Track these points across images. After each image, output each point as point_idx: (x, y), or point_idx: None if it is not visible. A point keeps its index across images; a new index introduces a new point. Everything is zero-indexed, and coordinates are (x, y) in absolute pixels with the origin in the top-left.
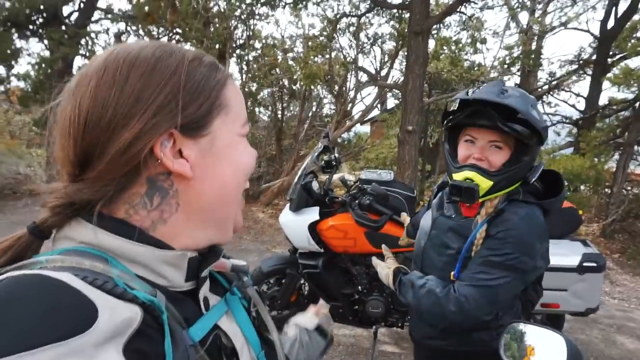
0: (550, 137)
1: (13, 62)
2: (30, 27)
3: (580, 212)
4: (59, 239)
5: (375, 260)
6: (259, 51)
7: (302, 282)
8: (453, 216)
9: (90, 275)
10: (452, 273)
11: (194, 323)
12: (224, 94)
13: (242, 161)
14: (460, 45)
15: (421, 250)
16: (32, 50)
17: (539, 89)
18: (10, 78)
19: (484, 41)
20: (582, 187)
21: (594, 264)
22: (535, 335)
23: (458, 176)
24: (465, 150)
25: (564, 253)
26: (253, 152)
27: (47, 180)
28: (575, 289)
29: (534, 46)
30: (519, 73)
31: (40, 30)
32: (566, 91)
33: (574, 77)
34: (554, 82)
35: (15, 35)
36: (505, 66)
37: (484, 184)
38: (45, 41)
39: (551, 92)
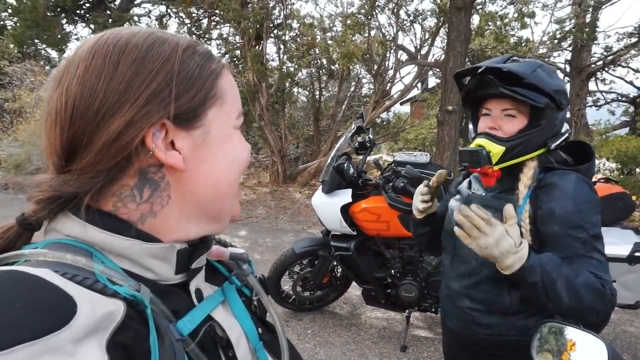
0: (603, 116)
1: (63, 47)
2: (78, 11)
3: (634, 197)
4: (49, 230)
5: (485, 213)
6: (297, 31)
7: (334, 264)
8: (484, 194)
9: (70, 271)
10: None
11: (184, 315)
12: (218, 85)
13: (236, 155)
14: (507, 20)
15: (452, 232)
16: (80, 35)
17: (593, 65)
18: (61, 62)
19: (532, 15)
20: (637, 170)
21: None
22: (575, 334)
23: (472, 145)
24: (483, 123)
25: (613, 242)
26: (247, 145)
27: (33, 172)
28: (625, 280)
29: (588, 18)
30: (570, 48)
31: (87, 15)
32: (623, 67)
33: (633, 51)
34: (610, 57)
35: (64, 21)
36: (556, 41)
37: (495, 149)
38: (92, 25)
39: (606, 68)
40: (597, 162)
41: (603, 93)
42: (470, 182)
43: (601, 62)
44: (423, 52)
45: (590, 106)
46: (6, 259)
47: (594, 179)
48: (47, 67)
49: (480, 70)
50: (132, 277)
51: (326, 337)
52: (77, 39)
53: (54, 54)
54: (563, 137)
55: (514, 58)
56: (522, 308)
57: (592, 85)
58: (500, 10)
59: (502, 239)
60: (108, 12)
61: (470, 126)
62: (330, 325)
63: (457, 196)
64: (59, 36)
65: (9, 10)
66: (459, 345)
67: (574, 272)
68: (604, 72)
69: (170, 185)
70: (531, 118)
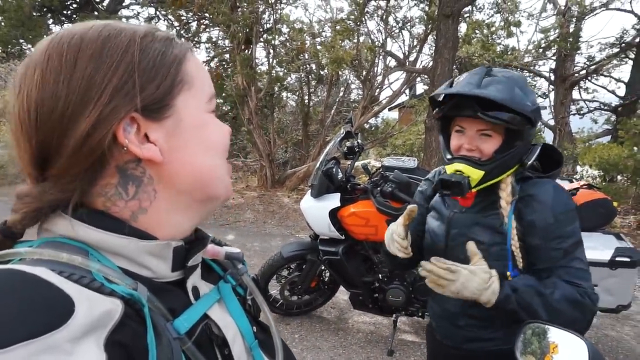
0: (586, 124)
1: None
2: (64, 12)
3: (615, 203)
4: (42, 230)
5: (444, 263)
6: (286, 36)
7: (322, 268)
8: (463, 210)
9: (66, 270)
10: (509, 273)
11: (181, 314)
12: (184, 69)
13: (212, 140)
14: (493, 28)
15: (442, 253)
16: None
17: (576, 74)
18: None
19: (518, 24)
20: (619, 178)
21: (627, 259)
22: (557, 335)
23: (449, 169)
24: (457, 140)
25: (595, 247)
26: (225, 128)
27: (17, 174)
28: (607, 285)
29: (571, 29)
30: (555, 57)
31: (74, 16)
32: (605, 76)
33: (615, 61)
34: (593, 67)
35: (51, 21)
36: (541, 50)
37: (475, 174)
38: None
39: (589, 78)
40: (579, 169)
41: (586, 102)
42: (443, 198)
43: (584, 72)
44: (411, 58)
45: (574, 114)
46: (1, 257)
47: (576, 185)
48: None
49: (459, 95)
50: (129, 275)
51: (313, 341)
52: None
53: None
54: (536, 152)
55: (491, 72)
56: None
57: (575, 94)
58: (487, 19)
59: (468, 280)
60: (95, 13)
61: (441, 140)
62: (318, 329)
63: (433, 213)
64: (44, 36)
65: None
66: (455, 358)
67: (550, 288)
68: (587, 81)
69: (153, 179)
70: (506, 137)
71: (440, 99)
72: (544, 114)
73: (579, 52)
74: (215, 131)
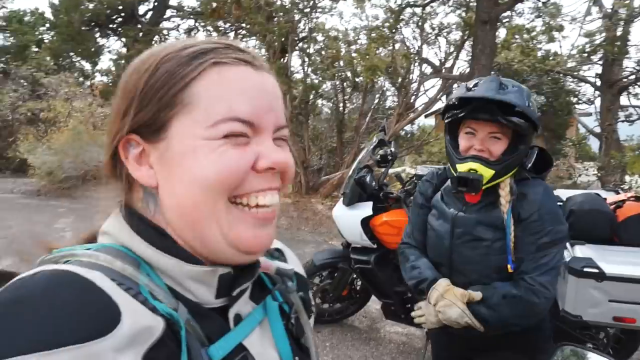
0: (636, 131)
1: (96, 59)
2: (110, 26)
3: None
4: (102, 233)
5: (425, 307)
6: (322, 44)
7: (354, 276)
8: (477, 207)
9: (117, 278)
10: (509, 265)
11: (217, 340)
12: (190, 90)
13: (197, 172)
14: (534, 33)
15: (447, 251)
16: (112, 48)
17: (625, 79)
18: (94, 74)
19: (560, 28)
20: None
21: None
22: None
23: (462, 167)
24: (467, 142)
25: None
26: (219, 161)
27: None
28: None
29: (619, 32)
30: (601, 62)
31: (119, 29)
32: None
33: None
34: None
35: (97, 34)
36: (585, 55)
37: (487, 173)
38: (123, 39)
39: (638, 83)
40: (628, 179)
41: (636, 108)
42: (442, 195)
43: (633, 76)
44: (448, 65)
45: (623, 121)
46: (61, 258)
47: (623, 197)
48: (81, 79)
49: (474, 99)
50: (174, 294)
51: (344, 350)
52: (109, 52)
53: (87, 65)
54: (534, 155)
55: (502, 81)
56: None
57: (624, 100)
58: (527, 24)
59: (450, 309)
60: (139, 25)
61: (448, 141)
62: (349, 338)
63: (435, 212)
64: (92, 49)
65: (47, 25)
66: (461, 344)
67: (490, 291)
68: (636, 86)
69: (158, 203)
70: (513, 140)
71: (456, 102)
72: (589, 120)
73: (627, 56)
74: (204, 162)
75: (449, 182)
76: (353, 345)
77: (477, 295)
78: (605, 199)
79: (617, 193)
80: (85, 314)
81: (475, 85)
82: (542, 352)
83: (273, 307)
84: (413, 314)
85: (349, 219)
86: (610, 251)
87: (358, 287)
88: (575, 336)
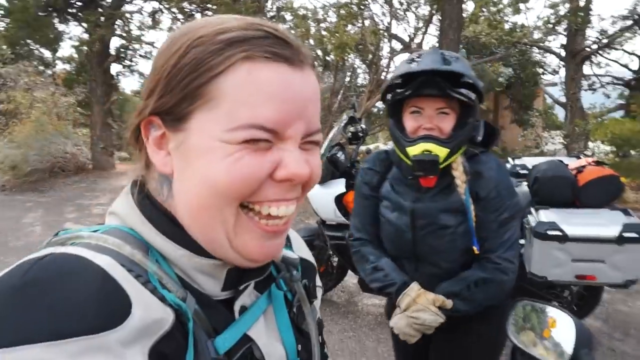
0: (598, 99)
1: (56, 46)
2: (69, 10)
3: (623, 179)
4: (111, 213)
5: (397, 317)
6: (290, 23)
7: (330, 253)
8: (431, 194)
9: (127, 264)
10: (474, 247)
11: (223, 332)
12: (215, 84)
13: (207, 174)
14: (500, 6)
15: (410, 243)
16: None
17: (588, 49)
18: (55, 62)
19: (525, 0)
20: (632, 152)
21: (636, 235)
22: (552, 312)
23: (414, 150)
24: (414, 122)
25: (602, 223)
26: (237, 170)
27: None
28: (614, 261)
29: (582, 2)
30: (565, 33)
31: (79, 14)
32: (618, 49)
33: (628, 34)
34: (605, 41)
35: (56, 20)
36: (550, 26)
37: (442, 152)
38: (84, 24)
39: (601, 52)
40: (591, 145)
41: (598, 76)
42: (391, 185)
43: (596, 46)
44: (417, 40)
45: (586, 90)
46: (68, 240)
47: (584, 162)
48: (41, 67)
49: (422, 72)
50: (182, 283)
51: (324, 324)
52: (70, 38)
53: (47, 53)
54: (482, 128)
55: (444, 54)
56: None
57: (587, 69)
58: None
59: (424, 314)
60: (100, 9)
61: (392, 124)
62: (328, 313)
63: (387, 204)
64: (51, 35)
65: (1, 12)
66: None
67: (463, 283)
68: (598, 55)
69: (172, 191)
70: (460, 114)
71: (400, 81)
72: (554, 90)
73: (590, 26)
74: (217, 165)
75: (394, 169)
76: (332, 319)
77: (449, 303)
78: (567, 165)
79: (579, 158)
80: (95, 304)
81: (417, 59)
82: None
83: (278, 296)
84: (391, 323)
85: (322, 197)
86: (572, 214)
87: (334, 264)
88: (542, 295)
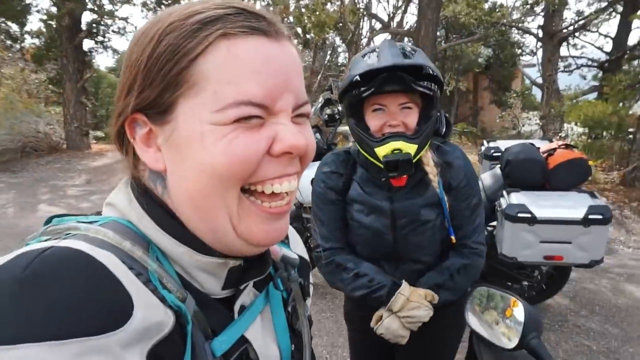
0: (574, 81)
1: (23, 20)
2: None
3: (592, 162)
4: (107, 204)
5: (388, 319)
6: (269, 0)
7: (308, 235)
8: (404, 192)
9: (127, 261)
10: (452, 237)
11: (221, 333)
12: (195, 68)
13: (204, 160)
14: None
15: (391, 244)
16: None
17: (564, 30)
18: (23, 36)
19: None
20: (604, 134)
21: (600, 216)
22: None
23: (383, 150)
24: (378, 120)
25: (569, 205)
26: (233, 150)
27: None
28: (580, 242)
29: None
30: (542, 13)
31: None
32: (593, 32)
33: (603, 16)
34: (581, 22)
35: None
36: (528, 6)
37: (411, 149)
38: None
39: (577, 33)
40: (566, 126)
41: (574, 58)
42: (359, 185)
43: (572, 27)
44: (397, 20)
45: (562, 71)
46: (60, 230)
47: (554, 145)
48: (9, 42)
49: (385, 68)
50: (182, 282)
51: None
52: (38, 11)
53: (14, 27)
54: (444, 119)
55: (403, 48)
56: None
57: (564, 51)
58: None
59: (418, 311)
60: None
61: (353, 123)
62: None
63: (360, 207)
64: (18, 9)
65: None
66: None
67: (445, 274)
68: (575, 37)
69: (167, 187)
70: (423, 108)
71: (358, 79)
72: (532, 71)
73: (567, 7)
74: (212, 150)
75: (360, 169)
76: (311, 300)
77: (436, 297)
78: (539, 148)
79: (550, 141)
80: (97, 304)
81: (373, 54)
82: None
83: (276, 296)
84: (376, 327)
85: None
86: (541, 197)
87: (312, 245)
88: (513, 276)
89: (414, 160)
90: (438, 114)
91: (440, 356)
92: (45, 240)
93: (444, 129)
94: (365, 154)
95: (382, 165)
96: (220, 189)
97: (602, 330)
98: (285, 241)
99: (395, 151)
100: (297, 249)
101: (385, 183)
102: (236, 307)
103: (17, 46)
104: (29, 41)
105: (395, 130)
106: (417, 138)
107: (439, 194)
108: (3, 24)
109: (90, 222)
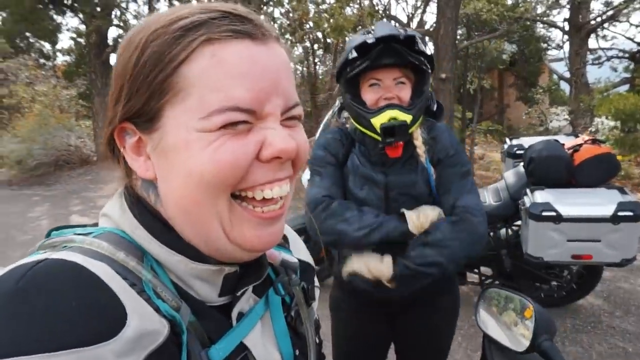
0: (604, 73)
1: (55, 39)
2: (65, 2)
3: (624, 157)
4: (103, 215)
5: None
6: (288, 7)
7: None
8: (399, 165)
9: (121, 271)
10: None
11: (218, 340)
12: (181, 74)
13: (189, 167)
14: None
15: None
16: (71, 25)
17: (592, 21)
18: (55, 54)
19: None
20: (637, 127)
21: (630, 213)
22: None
23: (380, 118)
24: (374, 94)
25: (598, 202)
26: (221, 157)
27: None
28: (610, 240)
29: None
30: (568, 6)
31: (75, 4)
32: (623, 22)
33: (633, 5)
34: (610, 13)
35: (52, 12)
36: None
37: (407, 118)
38: (80, 15)
39: (605, 25)
40: (596, 120)
41: (604, 50)
42: (357, 158)
43: (600, 19)
44: (416, 20)
45: (592, 64)
46: (59, 242)
47: (580, 141)
48: (42, 60)
49: (382, 39)
50: (177, 291)
51: (323, 310)
52: (68, 30)
53: (47, 46)
54: (434, 98)
55: (397, 26)
56: None
57: (592, 43)
58: None
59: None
60: (95, 0)
61: (349, 98)
62: (321, 299)
63: (354, 179)
64: (49, 28)
65: None
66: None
67: (432, 233)
68: (603, 28)
69: (159, 196)
70: (416, 83)
71: (355, 55)
72: (560, 66)
73: None
74: (199, 157)
75: (357, 147)
76: (325, 305)
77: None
78: (563, 144)
79: (576, 137)
80: (90, 314)
81: (369, 35)
82: (456, 283)
83: (276, 301)
84: (350, 265)
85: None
86: (567, 194)
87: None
88: (541, 276)
89: (409, 131)
90: (430, 92)
91: (438, 344)
92: (43, 254)
93: (435, 106)
94: (362, 128)
95: (378, 137)
96: (210, 196)
97: (638, 332)
98: (285, 246)
99: (392, 119)
100: (299, 253)
101: (380, 158)
102: (234, 314)
103: (50, 64)
104: (60, 59)
105: (391, 102)
106: (411, 110)
107: (427, 169)
108: (37, 43)
109: (86, 234)
